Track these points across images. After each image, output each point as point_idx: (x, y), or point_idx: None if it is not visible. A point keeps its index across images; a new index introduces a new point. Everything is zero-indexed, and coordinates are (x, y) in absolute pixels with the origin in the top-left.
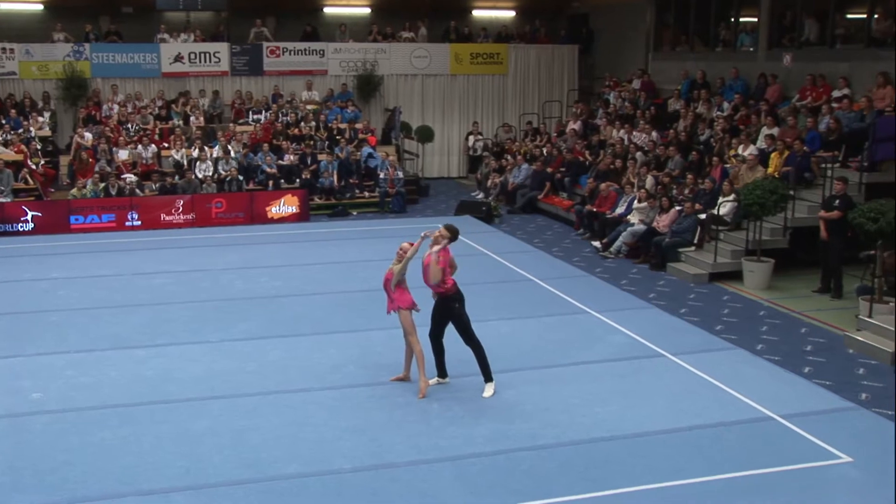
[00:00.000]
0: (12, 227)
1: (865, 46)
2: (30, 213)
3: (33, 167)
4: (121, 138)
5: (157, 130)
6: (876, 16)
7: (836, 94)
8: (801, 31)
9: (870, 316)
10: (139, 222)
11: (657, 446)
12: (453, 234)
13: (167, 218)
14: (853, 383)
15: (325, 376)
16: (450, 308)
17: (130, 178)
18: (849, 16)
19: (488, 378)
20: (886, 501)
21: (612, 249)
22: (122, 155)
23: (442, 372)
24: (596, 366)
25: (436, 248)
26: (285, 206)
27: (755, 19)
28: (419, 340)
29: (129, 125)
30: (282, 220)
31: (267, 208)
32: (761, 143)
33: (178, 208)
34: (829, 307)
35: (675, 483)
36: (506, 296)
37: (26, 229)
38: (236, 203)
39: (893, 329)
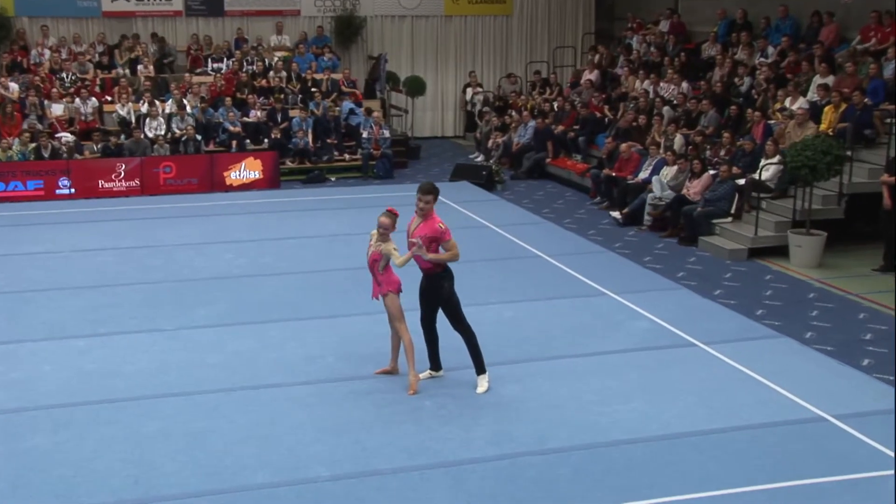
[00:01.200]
0: None
1: None
2: None
3: None
4: (54, 90)
5: (97, 81)
6: None
7: None
8: None
9: None
10: (73, 190)
11: (687, 451)
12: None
13: (106, 185)
14: None
15: (299, 369)
16: (438, 288)
17: (67, 137)
18: None
19: (481, 370)
20: None
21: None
22: (56, 110)
23: (435, 364)
24: (615, 357)
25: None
26: (247, 170)
27: None
28: (408, 328)
29: (64, 74)
30: (243, 187)
31: (225, 174)
32: (813, 94)
33: (120, 174)
34: (892, 288)
35: (708, 494)
36: (510, 275)
37: None
38: (188, 167)
39: None
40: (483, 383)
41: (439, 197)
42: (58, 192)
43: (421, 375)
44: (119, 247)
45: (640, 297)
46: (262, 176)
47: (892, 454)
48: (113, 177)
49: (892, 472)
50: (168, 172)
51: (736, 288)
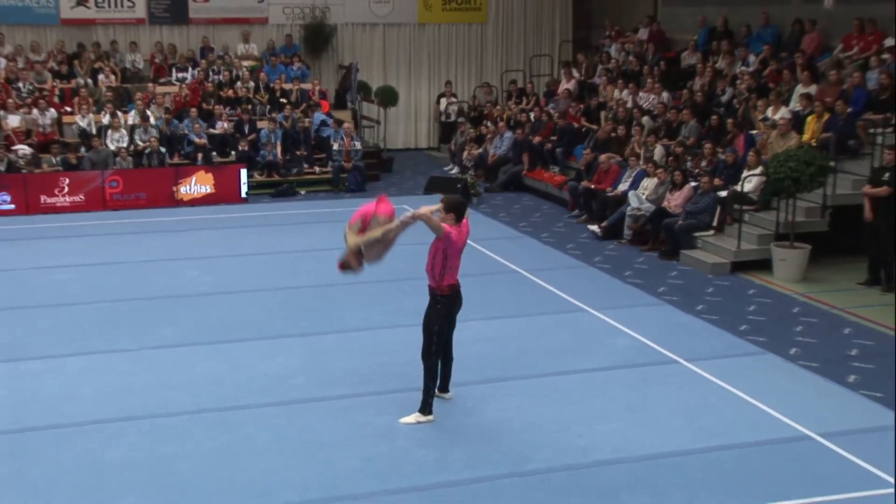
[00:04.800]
0: None
1: None
2: None
3: None
4: (10, 101)
5: (56, 91)
6: None
7: (888, 42)
8: None
9: None
10: (12, 206)
11: (670, 471)
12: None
13: (49, 200)
14: None
15: (268, 390)
16: (431, 307)
17: (24, 150)
18: None
19: (423, 409)
20: None
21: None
22: (13, 121)
23: (443, 386)
24: (596, 375)
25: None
26: (197, 185)
27: None
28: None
29: (21, 84)
30: (193, 202)
31: (174, 188)
32: (795, 104)
33: (63, 189)
34: (878, 303)
35: None
36: (487, 291)
37: None
38: (134, 182)
39: None
40: (412, 418)
41: (414, 210)
42: None
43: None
44: (78, 264)
45: (621, 313)
46: (213, 190)
47: (882, 473)
48: (56, 191)
49: (892, 490)
50: (114, 187)
51: (718, 303)
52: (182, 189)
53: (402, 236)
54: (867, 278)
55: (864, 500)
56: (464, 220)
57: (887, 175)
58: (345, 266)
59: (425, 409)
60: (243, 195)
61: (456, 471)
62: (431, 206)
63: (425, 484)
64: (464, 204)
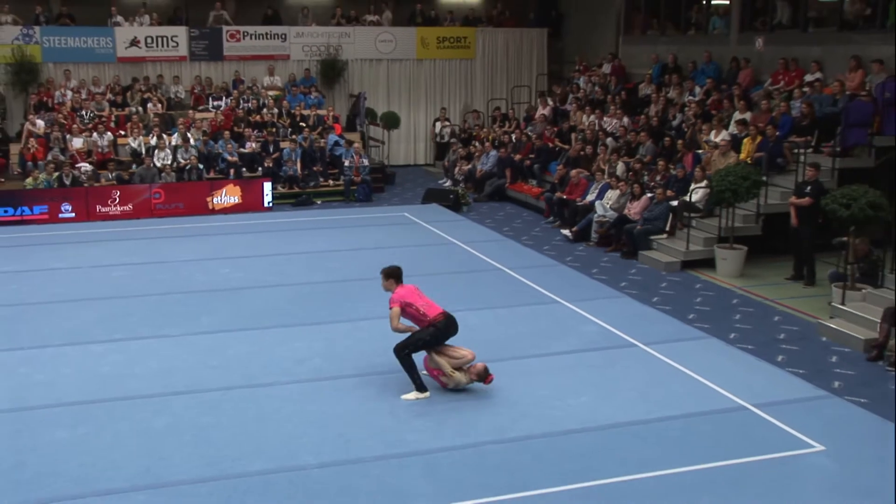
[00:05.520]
0: None
1: (838, 30)
2: None
3: None
4: (74, 126)
5: (112, 118)
6: None
7: (808, 78)
8: (773, 14)
9: (842, 303)
10: (73, 214)
11: (630, 438)
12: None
13: (103, 209)
14: (826, 371)
15: (289, 370)
16: (426, 326)
17: (86, 167)
18: None
19: (417, 389)
20: (857, 489)
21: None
22: (77, 143)
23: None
24: (567, 357)
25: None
26: (227, 196)
27: (727, 1)
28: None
29: (84, 112)
30: (224, 210)
31: (207, 199)
32: (733, 128)
33: (115, 199)
34: (801, 295)
35: (649, 475)
36: (475, 286)
37: None
38: (174, 194)
39: (867, 316)
40: (411, 395)
41: (414, 217)
42: (60, 215)
43: (409, 397)
44: (131, 263)
45: (589, 304)
46: (240, 201)
47: (804, 436)
48: (108, 202)
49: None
50: (158, 198)
51: (670, 295)
52: (215, 199)
53: (402, 237)
54: (792, 274)
55: (790, 459)
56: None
57: (809, 188)
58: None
59: (419, 388)
60: (267, 204)
61: (448, 438)
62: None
63: (423, 449)
64: (397, 269)
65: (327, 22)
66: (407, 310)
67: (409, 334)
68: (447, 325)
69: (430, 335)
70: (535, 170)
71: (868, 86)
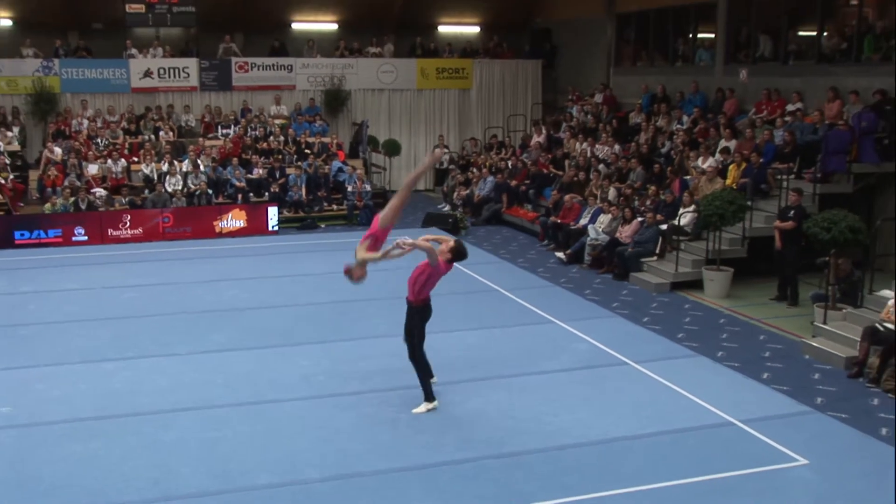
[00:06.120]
0: None
1: (816, 62)
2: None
3: (2, 182)
4: (90, 153)
5: (126, 145)
6: (826, 33)
7: (790, 107)
8: (755, 48)
9: (824, 323)
10: (86, 237)
11: (623, 452)
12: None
13: (114, 233)
14: (809, 388)
15: (293, 387)
16: (409, 318)
17: (101, 192)
18: (800, 33)
19: (427, 398)
20: (839, 500)
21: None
22: (92, 169)
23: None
24: (561, 374)
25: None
26: (233, 220)
27: (712, 35)
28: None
29: (99, 140)
30: (230, 234)
31: (214, 223)
32: (719, 155)
33: (126, 223)
34: (785, 314)
35: (642, 488)
36: (472, 306)
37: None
38: (183, 218)
39: (848, 335)
40: (421, 408)
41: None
42: (73, 238)
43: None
44: (142, 284)
45: (582, 323)
46: (246, 225)
47: (788, 451)
48: (119, 225)
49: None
50: (167, 222)
51: (660, 315)
52: (221, 223)
53: (403, 261)
54: (777, 295)
55: (775, 472)
56: (451, 265)
57: (792, 212)
58: (349, 272)
59: (428, 397)
60: (272, 228)
61: (447, 453)
62: (429, 235)
63: (422, 464)
64: (464, 257)
65: (331, 53)
66: (433, 275)
67: (411, 342)
68: (428, 310)
69: (418, 326)
70: (530, 195)
71: (846, 115)
